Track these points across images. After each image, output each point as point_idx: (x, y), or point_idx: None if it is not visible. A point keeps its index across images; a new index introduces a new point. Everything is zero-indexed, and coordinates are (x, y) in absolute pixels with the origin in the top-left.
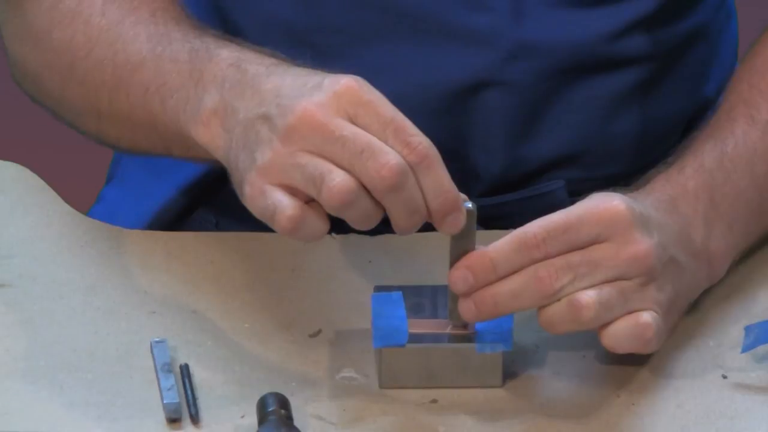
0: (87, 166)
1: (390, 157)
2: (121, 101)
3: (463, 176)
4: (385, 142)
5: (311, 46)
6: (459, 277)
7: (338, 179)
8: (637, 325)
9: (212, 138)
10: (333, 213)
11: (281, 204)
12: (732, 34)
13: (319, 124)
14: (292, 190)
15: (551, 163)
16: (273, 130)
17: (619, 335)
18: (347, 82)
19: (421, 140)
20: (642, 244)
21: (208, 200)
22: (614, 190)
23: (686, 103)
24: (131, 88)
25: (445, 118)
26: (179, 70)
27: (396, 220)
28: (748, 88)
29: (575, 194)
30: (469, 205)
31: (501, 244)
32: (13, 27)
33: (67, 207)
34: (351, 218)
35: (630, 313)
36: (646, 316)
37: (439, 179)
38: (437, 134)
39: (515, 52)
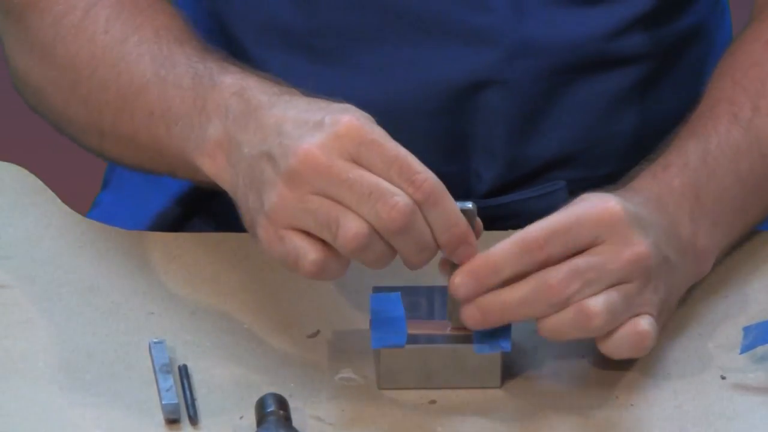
0: (86, 167)
1: (398, 198)
2: (125, 123)
3: (464, 177)
4: (390, 181)
5: (310, 49)
6: (461, 282)
7: (352, 225)
8: (635, 333)
9: (218, 171)
10: (348, 257)
11: (303, 249)
12: (726, 32)
13: (322, 167)
14: (307, 233)
15: (552, 163)
16: (276, 171)
17: (617, 344)
18: (349, 121)
19: (426, 176)
20: (641, 246)
21: (204, 209)
22: (604, 189)
23: (685, 100)
24: (135, 110)
25: (445, 118)
26: (183, 96)
27: (406, 258)
28: (731, 85)
29: (576, 194)
30: (469, 205)
31: (503, 247)
32: (16, 39)
33: (65, 208)
34: (366, 261)
35: (628, 319)
36: (645, 324)
37: (446, 214)
38: (438, 135)
39: (516, 51)
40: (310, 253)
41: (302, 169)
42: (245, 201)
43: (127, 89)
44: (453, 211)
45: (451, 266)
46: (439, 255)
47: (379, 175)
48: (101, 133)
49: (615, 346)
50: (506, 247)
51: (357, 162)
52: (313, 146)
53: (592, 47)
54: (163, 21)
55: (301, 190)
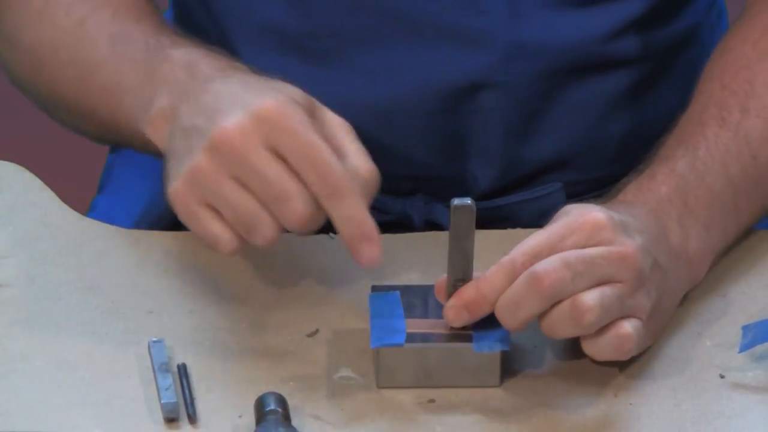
0: (85, 166)
1: (298, 206)
2: (85, 100)
3: (460, 179)
4: (301, 171)
5: (305, 51)
6: (455, 315)
7: (265, 229)
8: (617, 336)
9: (160, 138)
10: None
11: (221, 237)
12: (723, 34)
13: (237, 151)
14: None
15: (548, 165)
16: (199, 142)
17: (600, 345)
18: (269, 105)
19: (333, 170)
20: (628, 246)
21: None
22: (587, 201)
23: (680, 103)
24: (93, 87)
25: (442, 121)
26: (135, 69)
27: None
28: (720, 88)
29: (572, 196)
30: (468, 201)
31: (491, 277)
32: None
33: (64, 207)
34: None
35: (615, 321)
36: (628, 327)
37: (349, 210)
38: (434, 136)
39: (511, 53)
40: (228, 243)
41: (220, 146)
42: (168, 168)
43: (85, 68)
44: (358, 206)
45: (445, 292)
46: (437, 258)
47: (292, 164)
48: (68, 110)
49: (597, 347)
50: (494, 275)
51: (274, 147)
52: (232, 125)
53: (588, 50)
54: (122, 0)
55: (217, 165)
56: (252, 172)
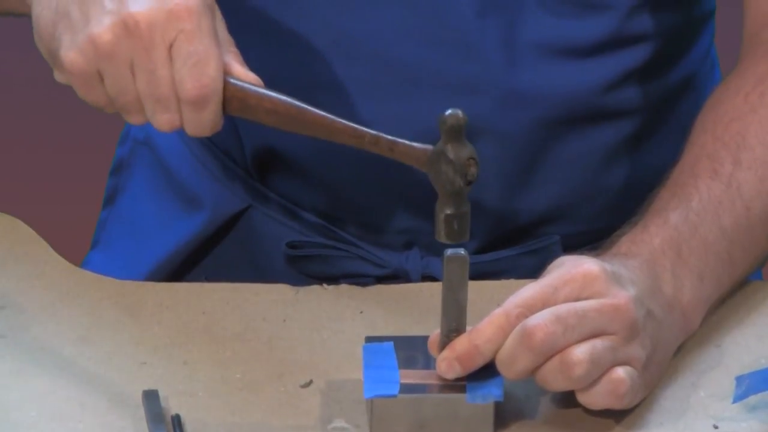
0: (79, 218)
1: (172, 113)
2: None
3: None
4: (178, 72)
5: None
6: (448, 367)
7: (135, 117)
8: (610, 381)
9: None
10: None
11: (104, 107)
12: (716, 84)
13: (144, 42)
14: None
15: (544, 217)
16: (102, 17)
17: (593, 392)
18: (181, 4)
19: (203, 83)
20: (621, 298)
21: (193, 270)
22: (581, 253)
23: (677, 153)
24: None
25: None
26: None
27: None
28: (712, 141)
29: (569, 249)
30: (461, 252)
31: (483, 329)
32: None
33: (58, 258)
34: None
35: (606, 370)
36: (620, 372)
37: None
38: (431, 187)
39: (507, 100)
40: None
41: (131, 29)
42: (59, 30)
43: None
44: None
45: (438, 345)
46: (431, 304)
47: (177, 65)
48: None
49: (591, 396)
50: (487, 328)
51: (171, 44)
52: (145, 13)
53: (585, 100)
54: None
55: (121, 47)
56: (147, 67)
